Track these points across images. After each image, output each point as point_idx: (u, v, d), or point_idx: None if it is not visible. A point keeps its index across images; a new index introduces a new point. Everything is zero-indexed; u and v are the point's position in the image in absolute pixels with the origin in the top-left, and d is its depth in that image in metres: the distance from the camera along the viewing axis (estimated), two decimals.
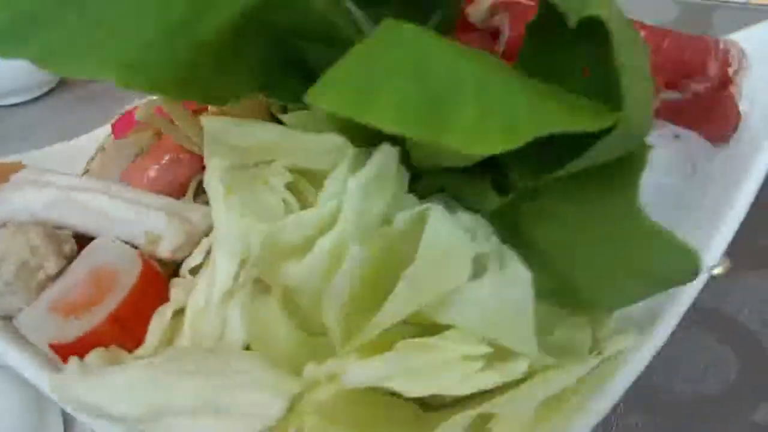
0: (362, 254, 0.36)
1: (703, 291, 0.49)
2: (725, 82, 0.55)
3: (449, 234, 0.36)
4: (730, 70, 0.54)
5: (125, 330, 0.44)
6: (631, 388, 0.41)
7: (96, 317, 0.44)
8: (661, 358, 0.46)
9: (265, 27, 0.37)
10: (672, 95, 0.46)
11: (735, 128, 0.52)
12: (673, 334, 0.48)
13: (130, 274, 0.45)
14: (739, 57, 0.55)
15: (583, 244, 0.38)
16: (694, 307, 0.49)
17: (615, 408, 0.43)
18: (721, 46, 0.54)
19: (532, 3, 0.50)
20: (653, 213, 0.43)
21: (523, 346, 0.38)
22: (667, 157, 0.47)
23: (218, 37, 0.35)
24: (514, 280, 0.36)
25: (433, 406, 0.41)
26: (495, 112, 0.27)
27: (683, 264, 0.35)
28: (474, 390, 0.39)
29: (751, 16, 0.92)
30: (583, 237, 0.37)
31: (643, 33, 0.51)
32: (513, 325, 0.37)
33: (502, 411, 0.38)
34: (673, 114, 0.48)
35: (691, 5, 0.94)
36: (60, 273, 0.47)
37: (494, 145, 0.27)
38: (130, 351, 0.44)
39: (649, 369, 0.45)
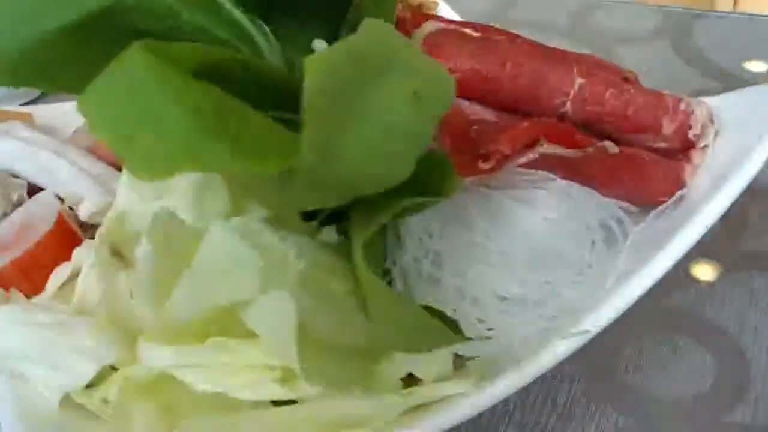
0: (148, 247, 0.38)
1: (682, 295, 0.55)
2: (686, 145, 0.51)
3: (230, 247, 0.38)
4: (691, 133, 0.50)
5: (27, 277, 0.50)
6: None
7: (2, 260, 0.49)
8: (639, 361, 0.51)
9: (120, 28, 0.40)
10: (566, 152, 0.44)
11: (669, 196, 0.49)
12: (652, 336, 0.52)
13: (44, 229, 0.51)
14: (704, 120, 0.50)
15: None
16: (674, 311, 0.53)
17: (593, 409, 0.48)
18: (683, 106, 0.50)
19: None
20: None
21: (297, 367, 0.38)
22: (550, 216, 0.45)
23: (63, 32, 0.38)
24: (281, 303, 0.37)
25: None
26: (161, 145, 0.29)
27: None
28: (260, 398, 0.41)
29: (732, 25, 0.90)
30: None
31: (587, 85, 0.48)
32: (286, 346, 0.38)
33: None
34: (569, 170, 0.46)
35: (672, 13, 0.92)
36: (4, 216, 0.53)
37: (152, 175, 0.28)
38: (28, 297, 0.50)
39: (628, 372, 0.51)
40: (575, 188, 0.45)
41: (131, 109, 0.30)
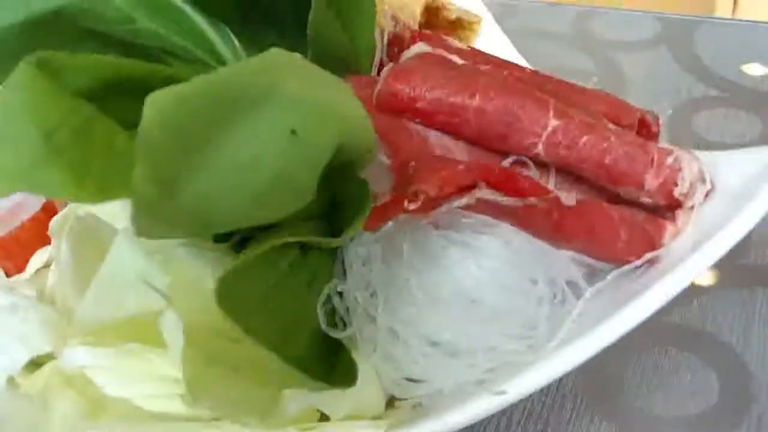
0: (65, 248, 0.40)
1: (685, 310, 0.55)
2: (672, 204, 0.47)
3: (134, 261, 0.38)
4: (677, 191, 0.46)
5: (10, 257, 0.53)
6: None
7: None
8: (641, 378, 0.51)
9: (76, 30, 0.42)
10: (504, 199, 0.41)
11: (639, 257, 0.45)
12: (654, 352, 0.53)
13: (32, 211, 0.53)
14: (694, 179, 0.46)
15: None
16: (675, 327, 0.53)
17: (595, 427, 0.48)
18: (670, 161, 0.46)
19: None
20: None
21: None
22: (485, 264, 0.43)
23: (12, 30, 0.40)
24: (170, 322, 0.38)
25: None
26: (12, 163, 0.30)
27: None
28: (163, 410, 0.41)
29: (732, 32, 0.88)
30: None
31: (561, 127, 0.45)
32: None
33: None
34: (516, 220, 0.43)
35: (672, 21, 0.90)
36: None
37: None
38: (9, 275, 0.53)
39: (630, 389, 0.51)
40: (518, 238, 0.43)
41: (1, 123, 0.31)
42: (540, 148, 0.46)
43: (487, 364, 0.43)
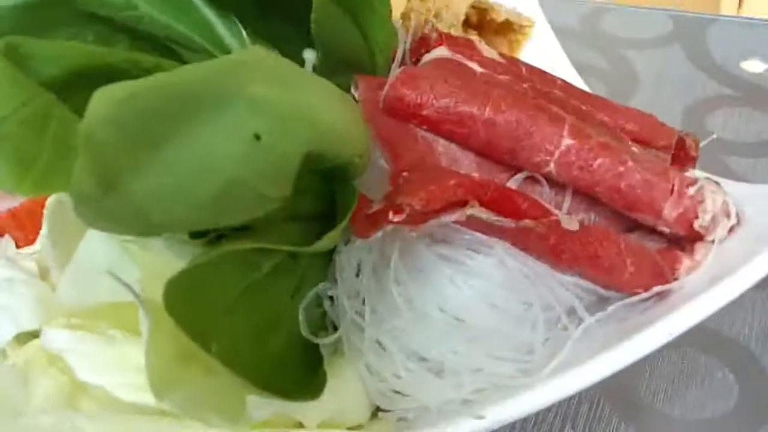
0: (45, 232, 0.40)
1: None
2: (692, 236, 0.44)
3: (107, 250, 0.38)
4: (697, 224, 0.43)
5: (21, 228, 0.53)
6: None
7: (3, 207, 0.53)
8: (660, 382, 0.51)
9: (81, 13, 0.41)
10: (496, 219, 0.39)
11: (642, 287, 0.42)
12: (672, 356, 0.53)
13: None
14: (716, 212, 0.43)
15: None
16: (695, 329, 0.49)
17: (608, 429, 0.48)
18: (691, 191, 0.43)
19: None
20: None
21: None
22: (475, 284, 0.41)
23: (18, 10, 0.40)
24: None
25: None
26: None
27: None
28: (135, 401, 0.41)
29: (747, 30, 0.87)
30: None
31: (575, 147, 0.43)
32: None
33: None
34: (515, 241, 0.41)
35: (685, 18, 0.88)
36: None
37: None
38: (19, 246, 0.53)
39: (649, 393, 0.51)
40: (514, 259, 0.41)
41: None
42: (552, 167, 0.43)
43: (473, 385, 0.41)
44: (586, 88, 0.62)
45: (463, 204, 0.38)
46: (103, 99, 0.28)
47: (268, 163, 0.32)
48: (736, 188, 0.45)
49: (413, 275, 0.41)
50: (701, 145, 0.52)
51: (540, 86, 0.48)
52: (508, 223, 0.38)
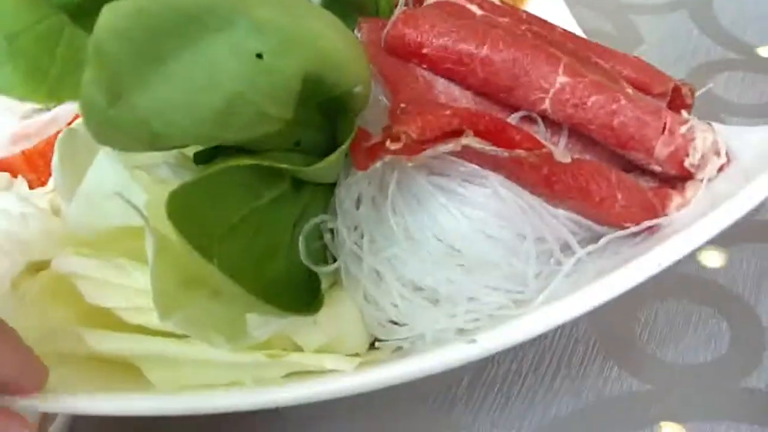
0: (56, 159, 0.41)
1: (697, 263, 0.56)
2: (683, 174, 0.45)
3: (115, 176, 0.40)
4: (687, 162, 0.44)
5: (34, 169, 0.55)
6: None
7: (18, 149, 0.55)
8: (654, 327, 0.53)
9: None
10: (491, 149, 0.40)
11: (632, 222, 0.43)
12: (667, 303, 0.54)
13: (62, 126, 0.55)
14: (706, 151, 0.44)
15: None
16: (688, 279, 0.55)
17: (607, 372, 0.50)
18: (683, 129, 0.44)
19: None
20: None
21: None
22: (470, 214, 0.42)
23: None
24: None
25: None
26: None
27: None
28: (139, 323, 0.43)
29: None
30: None
31: (570, 84, 0.44)
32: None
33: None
34: (510, 173, 0.42)
35: None
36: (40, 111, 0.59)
37: None
38: (32, 188, 0.55)
39: (642, 338, 0.52)
40: (509, 191, 0.42)
41: None
42: (547, 104, 0.44)
43: (468, 315, 0.43)
44: None
45: (459, 134, 0.39)
46: (112, 12, 0.29)
47: (269, 81, 0.34)
48: (725, 130, 0.46)
49: (410, 205, 0.42)
50: (698, 94, 0.52)
51: (539, 30, 0.49)
52: (501, 153, 0.39)
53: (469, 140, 0.39)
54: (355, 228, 0.44)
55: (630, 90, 0.46)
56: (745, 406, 0.48)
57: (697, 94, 0.52)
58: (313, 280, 0.42)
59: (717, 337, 0.53)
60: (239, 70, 0.32)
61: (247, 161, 0.36)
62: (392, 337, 0.44)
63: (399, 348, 0.44)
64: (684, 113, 0.46)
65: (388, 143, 0.39)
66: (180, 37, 0.31)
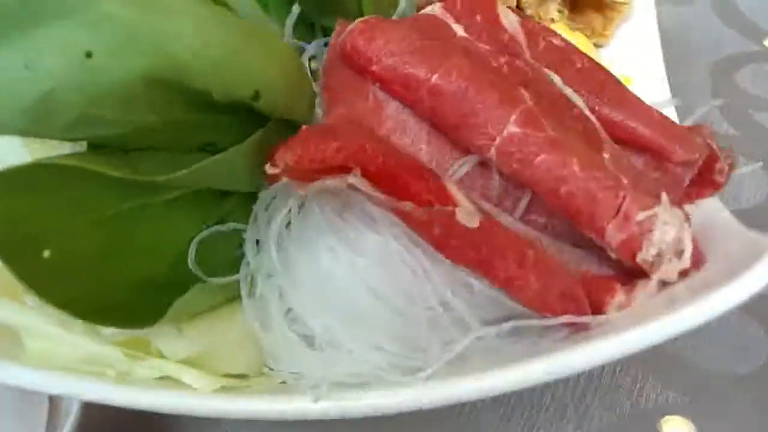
0: None
1: None
2: (638, 269, 0.38)
3: None
4: (640, 257, 0.37)
5: None
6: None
7: None
8: (691, 336, 0.48)
9: None
10: (375, 195, 0.34)
11: (550, 311, 0.37)
12: None
13: None
14: (665, 247, 0.36)
15: None
16: None
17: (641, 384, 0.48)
18: (640, 216, 0.36)
19: None
20: None
21: None
22: (355, 261, 0.37)
23: None
24: None
25: None
26: None
27: None
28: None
29: None
30: None
31: (518, 136, 0.38)
32: None
33: None
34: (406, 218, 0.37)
35: None
36: None
37: None
38: None
39: (679, 347, 0.51)
40: (399, 243, 0.37)
41: None
42: (492, 153, 0.38)
43: (351, 367, 0.38)
44: (666, 88, 0.55)
45: (348, 170, 0.35)
46: None
47: (96, 82, 0.31)
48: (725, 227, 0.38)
49: (300, 238, 0.39)
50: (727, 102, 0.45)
51: (525, 65, 0.42)
52: (385, 201, 0.34)
53: (355, 180, 0.35)
54: (254, 245, 0.40)
55: (607, 155, 0.39)
56: None
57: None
58: (171, 292, 0.39)
59: (757, 348, 0.51)
60: (61, 68, 0.30)
61: (72, 163, 0.34)
62: (277, 368, 0.41)
63: (284, 382, 0.41)
64: (663, 197, 0.37)
65: (267, 167, 0.35)
66: (11, 21, 0.29)
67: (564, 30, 0.59)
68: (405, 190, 0.35)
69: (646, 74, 0.57)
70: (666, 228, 0.36)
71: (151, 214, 0.39)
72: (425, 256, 0.37)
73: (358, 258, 0.37)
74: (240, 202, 0.42)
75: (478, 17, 0.44)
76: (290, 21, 0.45)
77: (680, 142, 0.43)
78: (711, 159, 0.43)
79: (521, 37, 0.45)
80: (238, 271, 0.42)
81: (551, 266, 0.36)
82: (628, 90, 0.45)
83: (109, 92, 0.31)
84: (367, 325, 0.38)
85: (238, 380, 0.42)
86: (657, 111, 0.44)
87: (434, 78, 0.39)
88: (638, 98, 0.45)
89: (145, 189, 0.38)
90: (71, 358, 0.41)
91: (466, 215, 0.35)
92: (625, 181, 0.37)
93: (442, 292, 0.37)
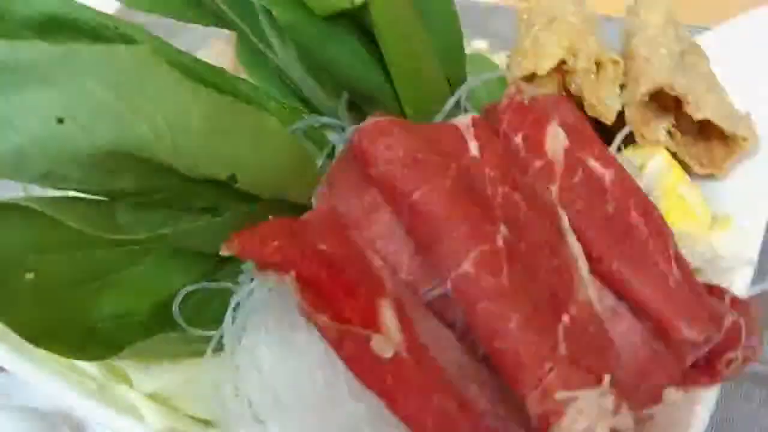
0: None
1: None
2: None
3: None
4: None
5: None
6: None
7: None
8: (715, 419, 0.46)
9: None
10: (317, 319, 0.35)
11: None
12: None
13: None
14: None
15: None
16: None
17: None
18: (560, 396, 0.34)
19: None
20: None
21: None
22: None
23: None
24: None
25: None
26: None
27: None
28: None
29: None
30: None
31: (469, 280, 0.37)
32: None
33: None
34: None
35: None
36: None
37: None
38: None
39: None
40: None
41: None
42: (448, 287, 0.38)
43: None
44: (757, 243, 0.50)
45: (286, 270, 0.36)
46: None
47: (62, 147, 0.35)
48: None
49: (251, 321, 0.41)
50: None
51: (523, 199, 0.40)
52: (305, 309, 0.35)
53: (288, 282, 0.36)
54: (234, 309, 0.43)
55: (566, 317, 0.36)
56: None
57: None
58: (143, 332, 0.42)
59: None
60: (32, 127, 0.34)
61: (35, 206, 0.38)
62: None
63: None
64: (606, 381, 0.35)
65: (222, 246, 0.38)
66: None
67: (663, 155, 0.54)
68: (329, 303, 0.35)
69: (748, 217, 0.52)
70: (577, 417, 0.33)
71: (138, 259, 0.43)
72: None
73: (288, 355, 0.38)
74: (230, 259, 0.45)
75: (519, 136, 0.43)
76: (341, 105, 0.47)
77: (692, 317, 0.39)
78: (724, 346, 0.39)
79: (558, 166, 0.43)
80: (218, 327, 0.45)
81: (453, 418, 0.35)
82: (658, 243, 0.41)
83: (74, 157, 0.35)
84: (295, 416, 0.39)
85: (199, 425, 0.45)
86: (682, 275, 0.40)
87: (415, 195, 0.39)
88: (668, 255, 0.41)
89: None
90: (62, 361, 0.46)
91: (381, 343, 0.35)
92: (562, 353, 0.35)
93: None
